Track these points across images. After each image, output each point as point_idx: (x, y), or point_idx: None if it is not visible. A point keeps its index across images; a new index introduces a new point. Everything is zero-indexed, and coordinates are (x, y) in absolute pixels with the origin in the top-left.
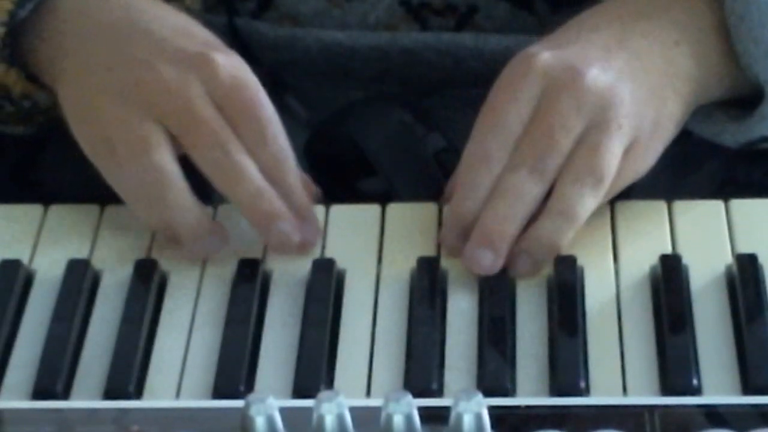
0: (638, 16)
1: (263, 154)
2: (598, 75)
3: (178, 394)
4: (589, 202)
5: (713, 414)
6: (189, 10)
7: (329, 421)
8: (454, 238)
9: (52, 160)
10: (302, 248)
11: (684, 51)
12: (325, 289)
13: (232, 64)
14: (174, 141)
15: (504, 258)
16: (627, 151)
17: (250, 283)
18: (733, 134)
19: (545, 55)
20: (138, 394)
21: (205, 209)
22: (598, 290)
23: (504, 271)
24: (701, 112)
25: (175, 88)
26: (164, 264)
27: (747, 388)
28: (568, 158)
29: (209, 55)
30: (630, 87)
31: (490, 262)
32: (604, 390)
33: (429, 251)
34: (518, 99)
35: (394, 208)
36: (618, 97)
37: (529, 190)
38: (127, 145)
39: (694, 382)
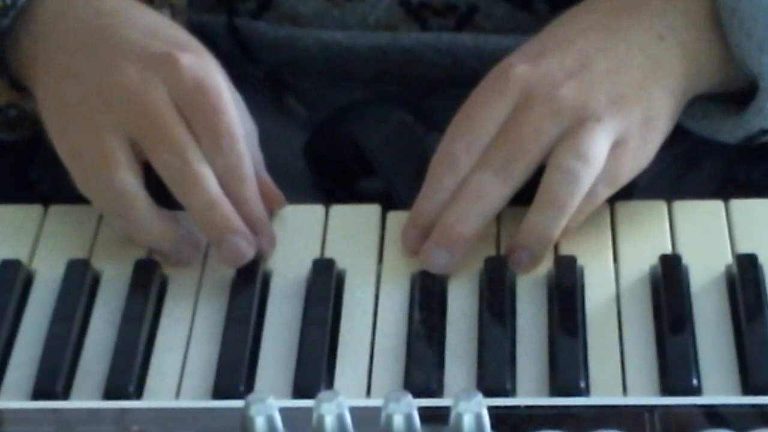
0: (620, 13)
1: (218, 161)
2: (576, 84)
3: (178, 394)
4: (578, 187)
5: (713, 414)
6: (174, 9)
7: (329, 421)
8: (413, 238)
9: (50, 161)
10: (257, 258)
11: (669, 44)
12: (325, 289)
13: (196, 65)
14: (137, 147)
15: (459, 259)
16: (621, 147)
17: (250, 283)
18: (731, 130)
19: (521, 68)
20: (138, 394)
21: (169, 221)
22: (598, 290)
23: (504, 271)
24: (698, 110)
25: (137, 90)
26: (164, 264)
27: (747, 388)
28: (553, 152)
29: (173, 56)
30: (608, 88)
31: (444, 261)
32: (604, 390)
33: None
34: (491, 107)
35: (395, 216)
36: (595, 99)
37: (492, 191)
38: (91, 160)
39: (694, 382)
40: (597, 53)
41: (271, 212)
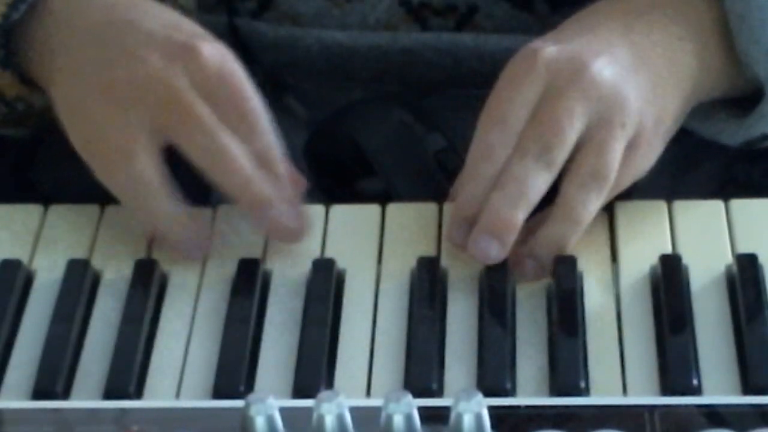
0: (641, 12)
1: (253, 143)
2: (603, 68)
3: (178, 394)
4: (594, 204)
5: (713, 414)
6: (183, 10)
7: (329, 421)
8: (458, 233)
9: (51, 160)
10: (295, 236)
11: (686, 47)
12: (325, 289)
13: (218, 54)
14: (160, 138)
15: (509, 247)
16: (629, 148)
17: (250, 283)
18: (732, 133)
19: (549, 48)
20: (138, 394)
21: (189, 212)
22: (597, 290)
23: (504, 270)
24: (700, 110)
25: (161, 78)
26: (164, 264)
27: (747, 388)
28: (573, 160)
29: (195, 45)
30: (634, 82)
31: (495, 250)
32: (604, 390)
33: (429, 251)
34: (522, 93)
35: (394, 208)
36: (623, 92)
37: (534, 178)
38: (112, 150)
39: (694, 382)
40: (620, 43)
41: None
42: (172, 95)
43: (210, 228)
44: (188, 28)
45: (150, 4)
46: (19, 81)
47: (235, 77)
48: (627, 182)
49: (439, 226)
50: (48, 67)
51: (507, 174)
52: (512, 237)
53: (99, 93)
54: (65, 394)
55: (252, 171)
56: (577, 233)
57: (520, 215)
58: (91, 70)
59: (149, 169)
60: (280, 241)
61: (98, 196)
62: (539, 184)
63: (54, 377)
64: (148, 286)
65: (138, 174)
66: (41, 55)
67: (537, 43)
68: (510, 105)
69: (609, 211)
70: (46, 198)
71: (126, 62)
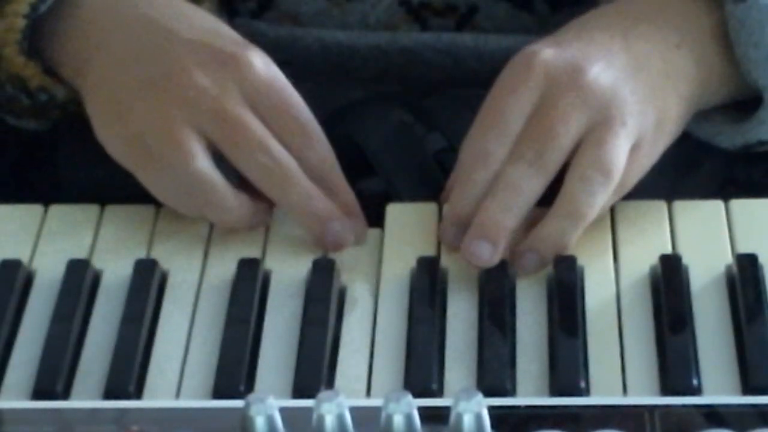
0: (638, 19)
1: (310, 154)
2: (600, 73)
3: (178, 394)
4: (598, 200)
5: (713, 414)
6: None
7: (329, 421)
8: (452, 234)
9: (52, 160)
10: (355, 241)
11: (684, 54)
12: (325, 289)
13: (267, 64)
14: (209, 142)
15: (502, 251)
16: (635, 152)
17: (250, 283)
18: (730, 137)
19: (547, 52)
20: (138, 394)
21: (247, 199)
22: (598, 290)
23: (504, 270)
24: (700, 112)
25: (211, 93)
26: (164, 264)
27: (747, 388)
28: (574, 156)
29: (243, 56)
30: (631, 86)
31: (488, 254)
32: (604, 390)
33: (429, 251)
34: (519, 96)
35: (394, 208)
36: (620, 95)
37: (528, 184)
38: (164, 150)
39: (694, 382)
40: (618, 49)
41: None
42: (225, 112)
43: (265, 203)
44: (230, 35)
45: (186, 6)
46: (43, 72)
47: (286, 88)
48: (632, 183)
49: (440, 226)
50: (80, 61)
51: (501, 179)
52: (505, 241)
53: (142, 92)
54: (65, 394)
55: (310, 187)
56: (579, 229)
57: (514, 220)
58: (132, 68)
59: (209, 166)
60: (339, 251)
61: (98, 196)
62: (533, 189)
63: (54, 377)
64: (148, 286)
65: (199, 172)
66: (72, 48)
67: (535, 46)
68: (506, 109)
69: (609, 211)
70: (46, 198)
71: (169, 69)
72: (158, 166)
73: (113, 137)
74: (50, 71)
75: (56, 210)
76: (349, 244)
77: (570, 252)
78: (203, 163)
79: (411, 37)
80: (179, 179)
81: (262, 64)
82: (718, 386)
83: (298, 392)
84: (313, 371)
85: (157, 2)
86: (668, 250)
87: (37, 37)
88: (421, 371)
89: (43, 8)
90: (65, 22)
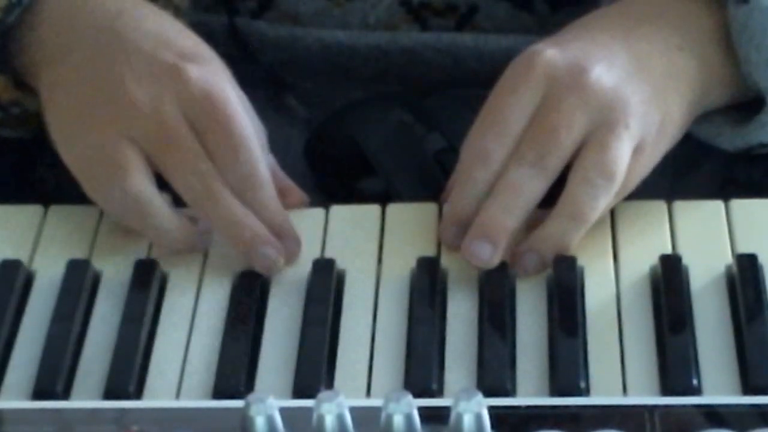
0: (640, 20)
1: (234, 173)
2: (603, 73)
3: (178, 394)
4: (600, 202)
5: (713, 414)
6: (177, 9)
7: (329, 421)
8: (452, 234)
9: (51, 160)
10: (287, 262)
11: (686, 56)
12: (325, 289)
13: (204, 77)
14: (149, 159)
15: (502, 251)
16: (637, 154)
17: (250, 283)
18: (730, 138)
19: (549, 52)
20: (138, 394)
21: (186, 221)
22: (598, 290)
23: (504, 271)
24: (701, 114)
25: (147, 108)
26: (164, 264)
27: (747, 388)
28: (577, 158)
29: (181, 69)
30: (634, 87)
31: (488, 254)
32: (604, 390)
33: (429, 251)
34: (520, 97)
35: (394, 208)
36: (623, 96)
37: (529, 185)
38: (103, 168)
39: (694, 382)
40: (620, 50)
41: (293, 208)
42: (160, 128)
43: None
44: (179, 44)
45: (143, 11)
46: (14, 86)
47: (221, 101)
48: (634, 185)
49: (439, 227)
50: (38, 73)
51: (503, 179)
52: (506, 241)
53: (86, 112)
54: (65, 394)
55: (237, 210)
56: (581, 231)
57: (515, 221)
58: (79, 86)
59: (145, 186)
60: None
61: None
62: (535, 190)
63: (54, 377)
64: (148, 286)
65: (134, 191)
66: (33, 61)
67: (537, 47)
68: (507, 109)
69: (609, 211)
70: (46, 198)
71: (112, 81)
72: (97, 183)
73: (63, 148)
74: (21, 84)
75: (56, 210)
76: (279, 267)
77: (570, 252)
78: (138, 180)
79: (411, 37)
80: (115, 196)
81: (200, 76)
82: (718, 386)
83: (298, 392)
84: (313, 371)
85: (115, 9)
86: (668, 250)
87: (5, 51)
88: (421, 371)
89: (10, 20)
90: (29, 34)
